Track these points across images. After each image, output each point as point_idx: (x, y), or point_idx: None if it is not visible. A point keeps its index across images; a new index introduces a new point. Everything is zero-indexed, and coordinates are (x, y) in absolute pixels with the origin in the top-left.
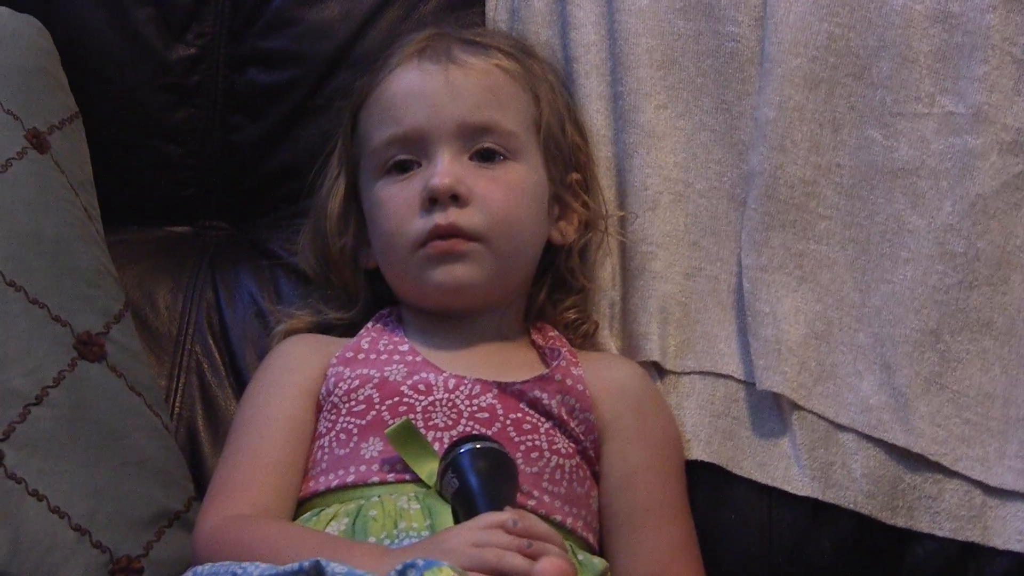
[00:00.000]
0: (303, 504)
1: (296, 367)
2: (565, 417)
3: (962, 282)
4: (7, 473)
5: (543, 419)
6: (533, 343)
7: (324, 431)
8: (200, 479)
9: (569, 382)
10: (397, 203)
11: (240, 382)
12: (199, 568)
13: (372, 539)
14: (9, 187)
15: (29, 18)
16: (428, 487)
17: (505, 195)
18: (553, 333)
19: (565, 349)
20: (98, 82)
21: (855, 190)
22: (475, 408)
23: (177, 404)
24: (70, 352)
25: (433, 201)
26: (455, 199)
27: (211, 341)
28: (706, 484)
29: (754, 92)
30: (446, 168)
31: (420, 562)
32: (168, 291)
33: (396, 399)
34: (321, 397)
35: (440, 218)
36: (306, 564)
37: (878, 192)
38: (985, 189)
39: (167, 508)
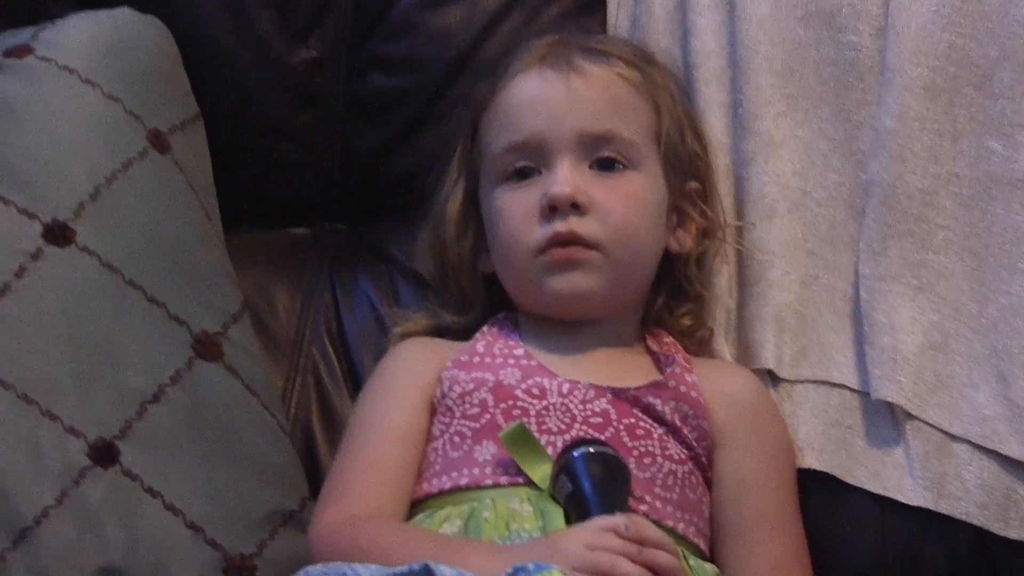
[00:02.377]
0: (416, 505)
1: (411, 370)
2: (678, 423)
3: None
4: (123, 470)
5: (656, 425)
6: (648, 349)
7: (438, 433)
8: (315, 480)
9: (683, 389)
10: (517, 210)
11: (356, 385)
12: (311, 568)
13: (484, 540)
14: (130, 187)
15: (151, 19)
16: (541, 490)
17: (624, 205)
18: (668, 339)
19: (680, 356)
20: (219, 84)
21: (974, 201)
22: (589, 413)
23: (293, 405)
24: (188, 351)
25: (553, 209)
26: (575, 207)
27: (328, 343)
28: (819, 493)
29: (874, 101)
30: (566, 176)
31: (531, 566)
32: (286, 293)
33: (510, 403)
34: (435, 400)
35: (560, 226)
36: (416, 567)
37: (997, 203)
38: None
39: (281, 507)
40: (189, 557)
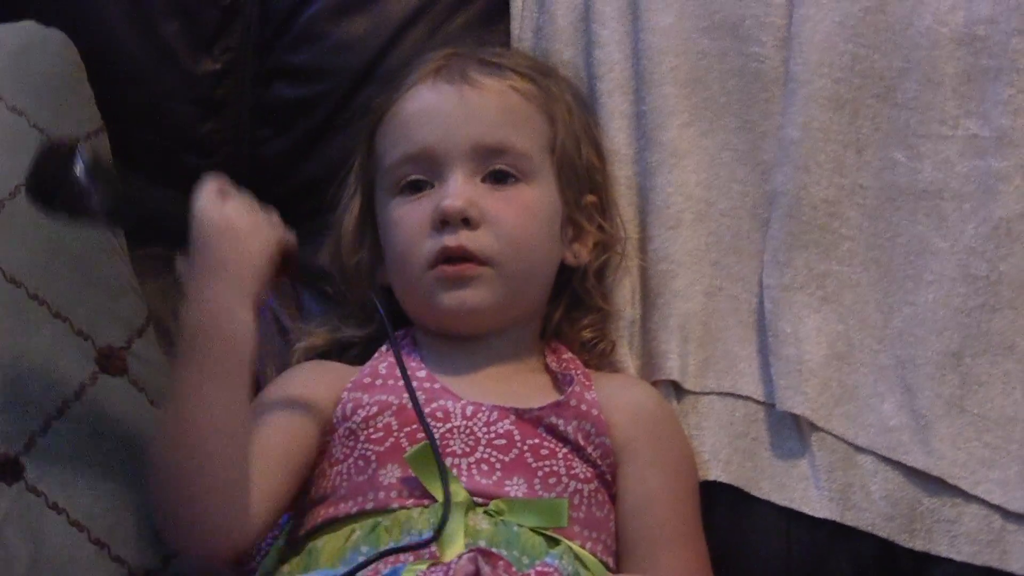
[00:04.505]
0: (325, 528)
1: (305, 386)
2: (582, 442)
3: (984, 305)
4: (27, 486)
5: (560, 444)
6: (547, 367)
7: (342, 457)
8: None
9: (584, 407)
10: (409, 223)
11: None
12: None
13: (381, 544)
14: None
15: (55, 31)
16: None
17: (517, 217)
18: (567, 355)
19: (579, 372)
20: (124, 94)
21: (878, 211)
22: (492, 435)
23: None
24: (92, 365)
25: (444, 223)
26: (466, 222)
27: None
28: (725, 505)
29: (778, 112)
30: (458, 190)
31: None
32: None
33: (415, 426)
34: (335, 421)
35: (451, 240)
36: None
37: (901, 214)
38: (1009, 212)
39: None
40: (94, 573)
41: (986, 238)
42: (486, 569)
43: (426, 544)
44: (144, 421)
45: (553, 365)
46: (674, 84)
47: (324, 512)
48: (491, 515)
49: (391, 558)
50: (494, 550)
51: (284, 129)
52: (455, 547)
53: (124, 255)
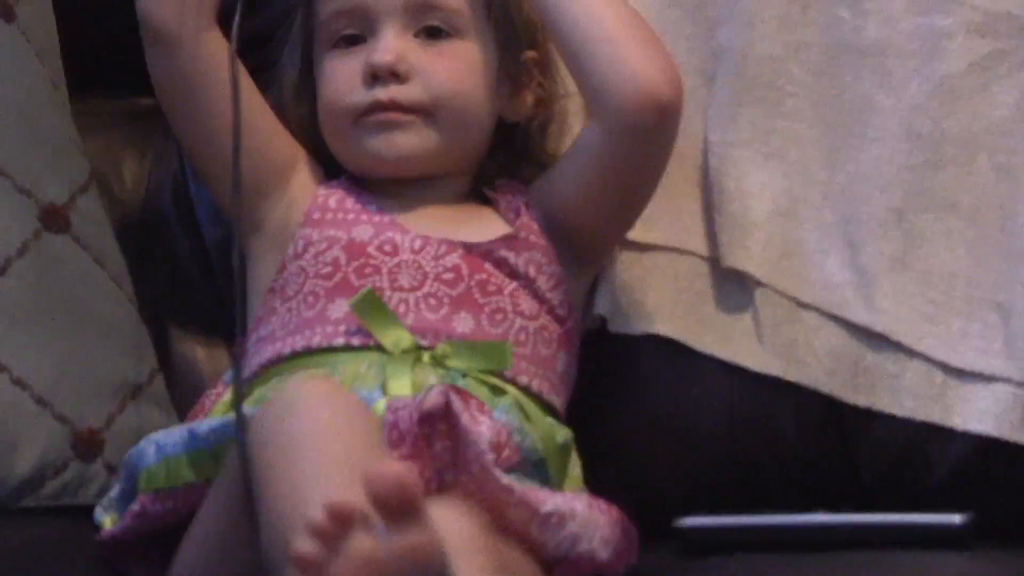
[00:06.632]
0: (269, 369)
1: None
2: (532, 274)
3: (928, 162)
4: None
5: (508, 279)
6: (493, 201)
7: (292, 294)
8: (163, 353)
9: (533, 238)
10: (341, 76)
11: (204, 256)
12: (152, 435)
13: None
14: None
15: None
16: (389, 354)
17: (448, 71)
18: (509, 187)
19: (519, 196)
20: None
21: (823, 68)
22: (440, 269)
23: (143, 278)
24: (35, 223)
25: (375, 77)
26: (395, 76)
27: (177, 214)
28: (668, 360)
29: None
30: (389, 44)
31: None
32: (135, 163)
33: (363, 260)
34: (287, 259)
35: (381, 93)
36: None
37: (846, 71)
38: (952, 70)
39: (130, 380)
40: (37, 430)
41: (929, 95)
42: (457, 402)
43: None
44: (87, 278)
45: (494, 195)
46: None
47: (272, 349)
48: (436, 360)
49: None
50: (464, 388)
51: None
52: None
53: (66, 110)
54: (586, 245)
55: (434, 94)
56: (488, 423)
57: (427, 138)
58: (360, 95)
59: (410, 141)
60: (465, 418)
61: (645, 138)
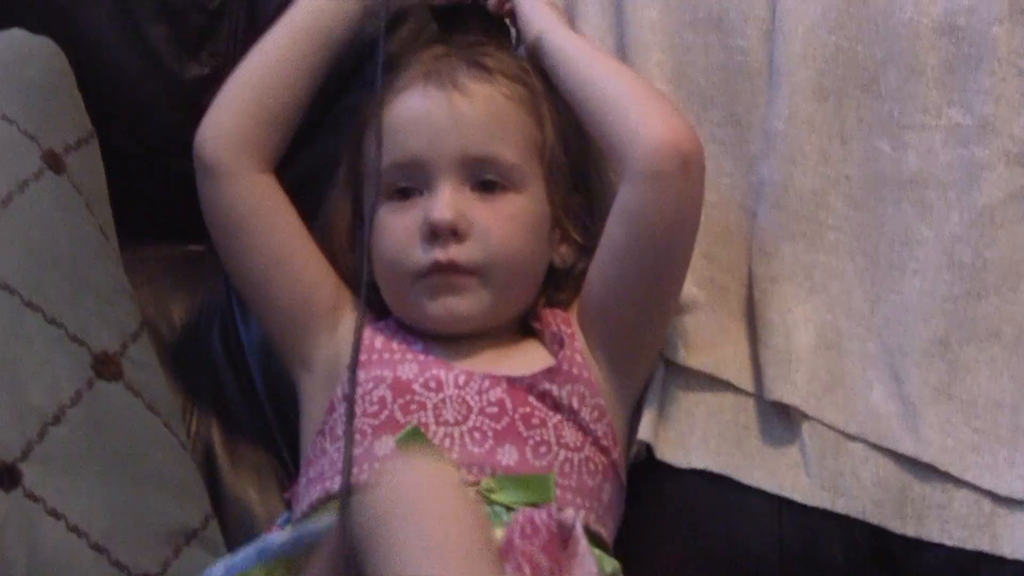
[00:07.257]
0: (318, 509)
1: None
2: (576, 406)
3: (970, 292)
4: (25, 492)
5: (552, 412)
6: (534, 331)
7: (341, 434)
8: (216, 497)
9: (575, 371)
10: (397, 231)
11: (255, 400)
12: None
13: None
14: (27, 208)
15: (44, 39)
16: None
17: (505, 227)
18: (550, 312)
19: (563, 324)
20: (112, 100)
21: (864, 201)
22: (485, 403)
23: (194, 422)
24: (87, 371)
25: (434, 235)
26: (454, 234)
27: (226, 358)
28: (715, 494)
29: (763, 104)
30: (447, 201)
31: None
32: (185, 309)
33: (408, 397)
34: (335, 401)
35: (440, 254)
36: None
37: (886, 203)
38: (992, 200)
39: (184, 526)
40: None
41: (970, 225)
42: (580, 527)
43: None
44: (140, 425)
45: (539, 327)
46: (660, 79)
47: (321, 487)
48: (482, 495)
49: None
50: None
51: None
52: None
53: (117, 259)
54: (627, 350)
55: (491, 252)
56: None
57: (482, 299)
58: (418, 255)
59: (466, 304)
60: (584, 543)
61: (670, 184)
